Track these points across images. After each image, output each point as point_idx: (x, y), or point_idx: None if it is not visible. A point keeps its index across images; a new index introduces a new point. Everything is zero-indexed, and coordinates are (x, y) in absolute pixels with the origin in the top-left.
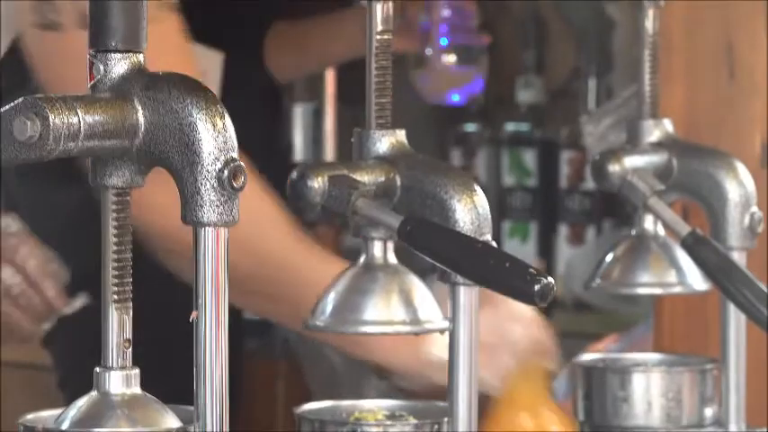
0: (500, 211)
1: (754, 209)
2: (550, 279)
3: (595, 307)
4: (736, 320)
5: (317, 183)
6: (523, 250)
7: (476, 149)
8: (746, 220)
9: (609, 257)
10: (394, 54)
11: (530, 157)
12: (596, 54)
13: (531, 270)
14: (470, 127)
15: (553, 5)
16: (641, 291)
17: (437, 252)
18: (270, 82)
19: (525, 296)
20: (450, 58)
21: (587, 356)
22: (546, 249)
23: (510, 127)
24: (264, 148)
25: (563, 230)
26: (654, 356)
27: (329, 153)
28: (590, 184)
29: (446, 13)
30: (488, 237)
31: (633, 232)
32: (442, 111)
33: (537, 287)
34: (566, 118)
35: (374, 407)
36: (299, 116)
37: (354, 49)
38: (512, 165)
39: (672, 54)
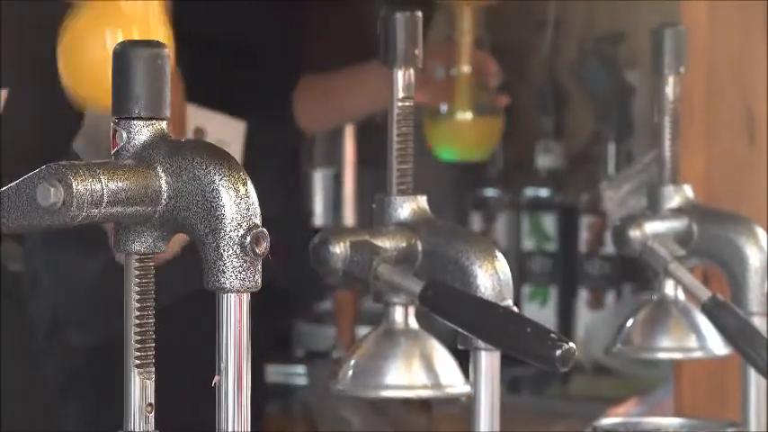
0: (520, 276)
1: None
2: (572, 344)
3: (615, 371)
4: (757, 385)
5: (339, 248)
6: (543, 314)
7: (495, 214)
8: (766, 285)
9: (629, 322)
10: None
11: (549, 222)
12: (616, 119)
13: (553, 335)
14: (490, 192)
15: (571, 70)
16: (662, 355)
17: (458, 317)
18: (291, 147)
19: (547, 361)
20: (467, 116)
21: (607, 421)
22: (565, 313)
23: (529, 192)
24: (286, 213)
25: (583, 295)
26: (674, 421)
27: (349, 218)
28: (609, 248)
29: (465, 69)
30: (509, 302)
31: (654, 297)
32: (461, 175)
33: (558, 352)
34: (585, 183)
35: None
36: (318, 181)
37: (375, 103)
38: (532, 229)
39: (692, 120)
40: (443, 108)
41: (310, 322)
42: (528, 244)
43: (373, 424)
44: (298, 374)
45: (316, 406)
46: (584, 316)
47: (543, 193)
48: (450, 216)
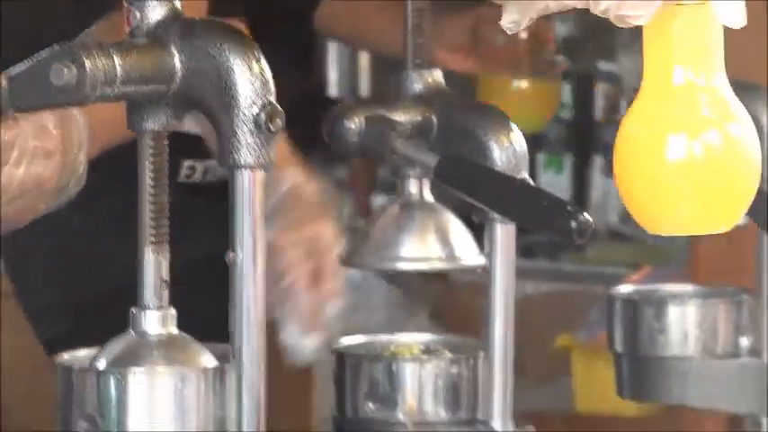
0: (535, 143)
1: None
2: (588, 216)
3: (630, 237)
4: None
5: (355, 123)
6: (558, 181)
7: None
8: None
9: None
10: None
11: (565, 90)
12: None
13: (569, 207)
14: None
15: None
16: None
17: (474, 190)
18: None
19: (563, 233)
20: (524, 84)
21: (623, 288)
22: (580, 180)
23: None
24: (299, 83)
25: (597, 162)
26: (689, 288)
27: (364, 89)
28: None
29: (523, 35)
30: (525, 174)
31: None
32: None
33: (574, 224)
34: (601, 51)
35: (410, 341)
36: (333, 51)
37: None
38: None
39: None
40: (501, 75)
41: None
42: None
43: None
44: None
45: None
46: (599, 183)
47: (558, 60)
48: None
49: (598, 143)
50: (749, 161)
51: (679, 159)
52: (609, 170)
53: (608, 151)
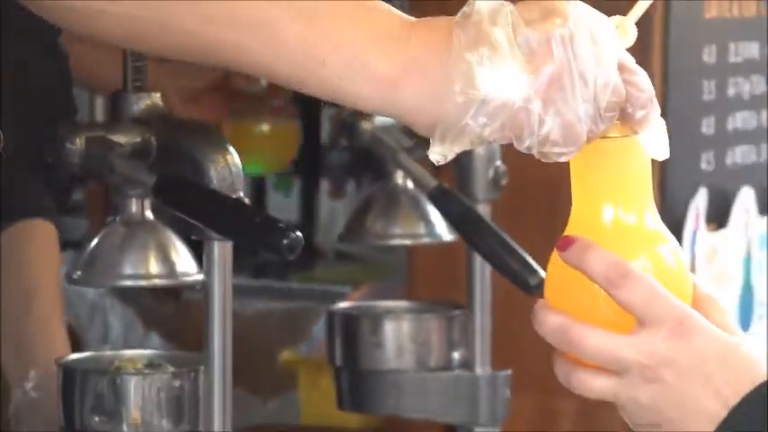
0: None
1: (498, 163)
2: (298, 233)
3: (355, 257)
4: (481, 269)
5: (77, 144)
6: (287, 204)
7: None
8: (491, 173)
9: (361, 210)
10: None
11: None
12: None
13: (281, 225)
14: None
15: None
16: (392, 242)
17: (191, 209)
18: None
19: (275, 249)
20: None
21: (343, 304)
22: (308, 203)
23: None
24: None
25: (324, 185)
26: (405, 304)
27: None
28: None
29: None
30: (241, 194)
31: (385, 185)
32: None
33: (286, 241)
34: None
35: (135, 356)
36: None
37: None
38: None
39: None
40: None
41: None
42: None
43: (125, 313)
44: None
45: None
46: (326, 205)
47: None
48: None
49: (324, 167)
50: (677, 286)
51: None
52: (334, 193)
53: (333, 175)
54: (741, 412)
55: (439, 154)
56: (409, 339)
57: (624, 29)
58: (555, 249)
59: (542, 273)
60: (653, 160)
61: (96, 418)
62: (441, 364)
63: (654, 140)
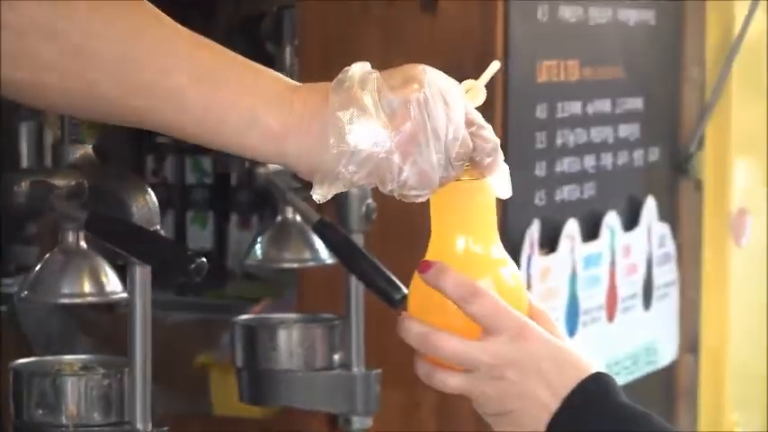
0: (183, 204)
1: (369, 200)
2: (203, 259)
3: (259, 277)
4: (356, 287)
5: (22, 186)
6: (203, 234)
7: (165, 156)
8: (363, 209)
9: (259, 239)
10: None
11: (207, 163)
12: None
13: (189, 252)
14: (162, 138)
15: None
16: (285, 265)
17: (117, 239)
18: None
19: (184, 272)
20: None
21: (245, 317)
22: (221, 233)
23: None
24: None
25: (234, 218)
26: (295, 316)
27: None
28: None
29: None
30: (158, 227)
31: (278, 219)
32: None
33: (193, 265)
34: None
35: (72, 360)
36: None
37: None
38: (193, 167)
39: None
40: None
41: (20, 243)
42: (190, 178)
43: (68, 324)
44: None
45: (22, 311)
46: (236, 235)
47: None
48: (128, 158)
49: (235, 203)
50: (516, 301)
51: None
52: (241, 225)
53: (240, 210)
54: (569, 402)
55: (320, 194)
56: (298, 344)
57: (475, 90)
58: (416, 271)
59: (405, 290)
60: (497, 198)
61: (40, 412)
62: (324, 365)
63: (499, 182)
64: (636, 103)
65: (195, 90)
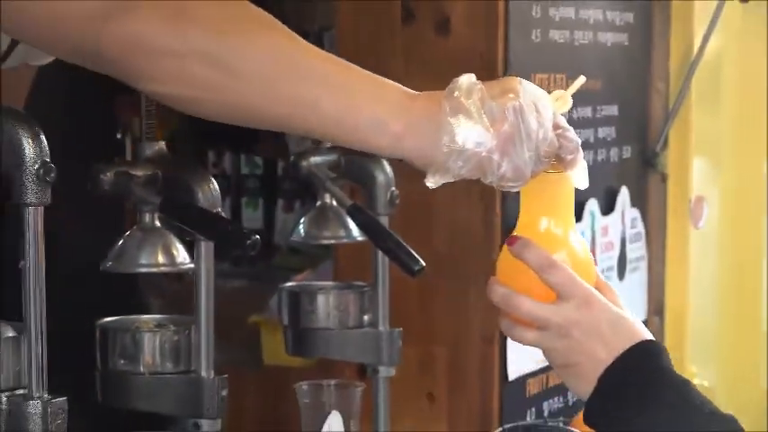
0: (239, 192)
1: (393, 188)
2: (257, 236)
3: (301, 251)
4: (382, 260)
5: (108, 176)
6: (254, 216)
7: (224, 151)
8: (388, 195)
9: (302, 220)
10: None
11: (258, 157)
12: None
13: (245, 230)
14: (220, 136)
15: None
16: (322, 241)
17: (185, 220)
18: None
19: (241, 247)
20: None
21: (289, 284)
22: (269, 216)
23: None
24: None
25: (280, 203)
26: (331, 283)
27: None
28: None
29: None
30: (219, 209)
31: (318, 203)
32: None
33: (249, 241)
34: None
35: (149, 320)
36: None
37: None
38: (246, 161)
39: None
40: None
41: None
42: (244, 170)
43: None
44: None
45: None
46: (281, 216)
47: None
48: (193, 154)
49: (280, 192)
50: (585, 274)
51: None
52: (286, 209)
53: (285, 197)
54: (621, 360)
55: (432, 183)
56: (334, 307)
57: (563, 99)
58: (505, 244)
59: (422, 262)
60: (575, 188)
61: (122, 362)
62: (355, 324)
63: (578, 176)
64: (612, 110)
65: (331, 99)
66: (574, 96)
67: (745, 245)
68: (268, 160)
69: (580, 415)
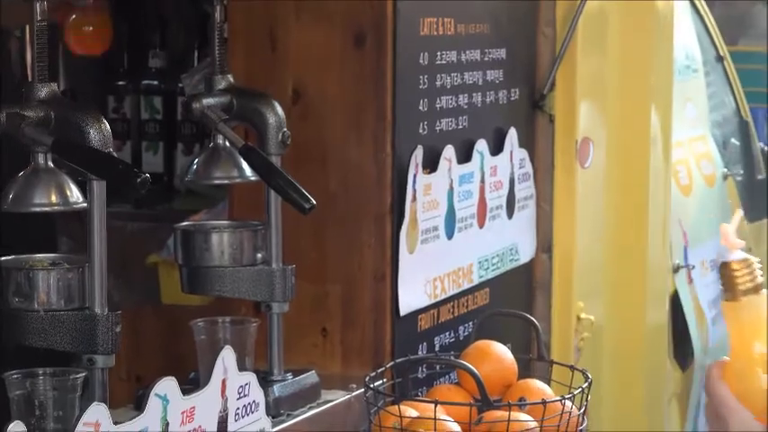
0: (139, 136)
1: (285, 129)
2: (147, 175)
3: (199, 193)
4: (275, 199)
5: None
6: (155, 160)
7: (124, 96)
8: (280, 136)
9: (196, 160)
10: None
11: (158, 101)
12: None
13: (135, 170)
14: (120, 81)
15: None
16: (216, 182)
17: (78, 160)
18: None
19: (131, 185)
20: None
21: (184, 223)
22: (169, 159)
23: (145, 81)
24: None
25: (180, 147)
26: (225, 222)
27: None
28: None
29: None
30: (111, 149)
31: (210, 144)
32: (101, 69)
33: (138, 179)
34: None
35: (43, 258)
36: None
37: None
38: (146, 106)
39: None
40: None
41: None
42: (145, 115)
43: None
44: None
45: None
46: (181, 160)
47: (155, 82)
48: (95, 98)
49: (180, 134)
50: None
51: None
52: (187, 152)
53: (185, 140)
54: None
55: None
56: (227, 245)
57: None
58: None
59: (313, 201)
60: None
61: (17, 300)
62: (249, 262)
63: None
64: (500, 54)
65: None
66: (463, 40)
67: (631, 184)
68: (168, 104)
69: None
